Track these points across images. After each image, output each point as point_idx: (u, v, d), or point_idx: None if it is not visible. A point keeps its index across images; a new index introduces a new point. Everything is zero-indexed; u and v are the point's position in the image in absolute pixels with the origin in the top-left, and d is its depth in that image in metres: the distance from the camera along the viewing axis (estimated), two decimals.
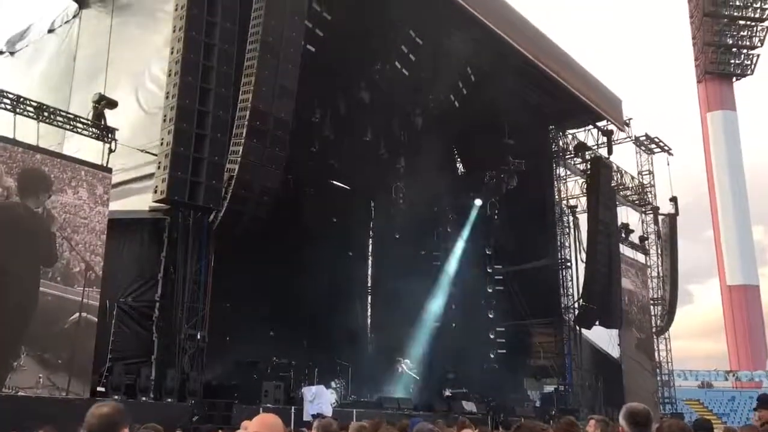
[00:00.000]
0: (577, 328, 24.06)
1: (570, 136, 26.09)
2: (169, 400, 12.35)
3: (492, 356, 24.80)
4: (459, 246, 25.81)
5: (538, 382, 25.05)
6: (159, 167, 12.65)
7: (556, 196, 25.34)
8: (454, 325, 24.93)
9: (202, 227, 13.66)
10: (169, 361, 12.90)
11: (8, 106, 12.12)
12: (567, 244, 24.94)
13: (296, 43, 14.81)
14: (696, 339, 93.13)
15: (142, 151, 13.68)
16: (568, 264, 24.77)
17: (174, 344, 13.00)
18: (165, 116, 12.84)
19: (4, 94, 12.28)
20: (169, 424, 11.16)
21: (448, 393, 20.27)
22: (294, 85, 14.49)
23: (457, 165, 27.81)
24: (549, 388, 24.35)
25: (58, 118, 12.80)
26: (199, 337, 13.30)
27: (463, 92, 23.71)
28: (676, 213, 28.83)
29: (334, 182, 24.23)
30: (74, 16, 18.16)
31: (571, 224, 24.95)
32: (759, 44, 49.94)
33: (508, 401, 21.19)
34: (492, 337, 25.07)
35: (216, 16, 13.34)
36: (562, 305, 24.32)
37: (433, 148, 24.04)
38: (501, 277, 25.53)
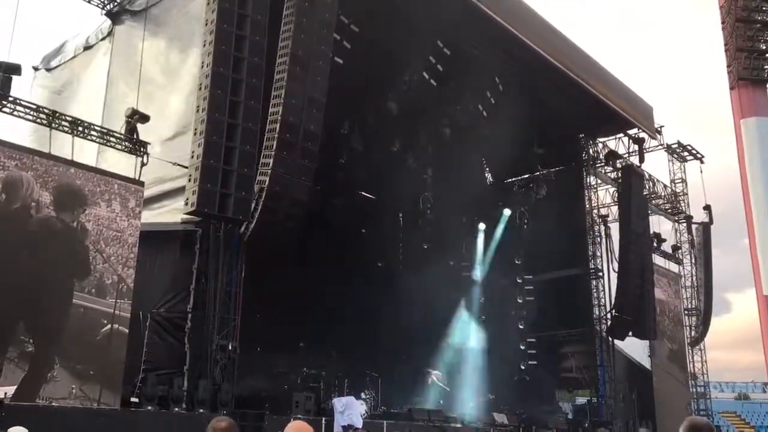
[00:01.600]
0: (610, 339, 23.71)
1: (600, 145, 25.81)
2: (201, 410, 12.43)
3: (523, 367, 24.54)
4: (488, 256, 25.67)
5: (571, 394, 24.72)
6: (189, 180, 12.81)
7: (587, 205, 25.06)
8: (483, 335, 24.74)
9: (232, 239, 13.79)
10: (202, 372, 13.01)
11: (44, 121, 12.39)
12: (598, 253, 24.63)
13: (325, 55, 14.92)
14: (733, 350, 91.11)
15: (173, 164, 13.88)
16: (600, 274, 24.44)
17: (206, 355, 13.11)
18: (195, 129, 13.02)
19: (41, 109, 12.57)
20: None
21: (477, 404, 20.12)
22: (323, 98, 14.59)
23: (486, 175, 27.69)
24: (581, 400, 24.02)
25: (93, 133, 13.05)
26: (230, 347, 13.39)
27: (492, 102, 23.65)
28: (711, 221, 28.33)
29: (363, 193, 24.28)
30: (109, 33, 18.55)
31: (603, 233, 24.63)
32: None
33: (539, 413, 20.94)
34: (522, 348, 24.83)
35: (245, 30, 13.51)
36: (594, 316, 23.99)
37: (462, 158, 23.99)
38: (531, 287, 25.30)
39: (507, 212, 25.51)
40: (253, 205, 13.49)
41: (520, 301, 25.24)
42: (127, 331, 12.09)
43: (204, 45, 13.51)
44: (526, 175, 25.87)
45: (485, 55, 20.11)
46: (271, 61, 14.18)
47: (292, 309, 19.29)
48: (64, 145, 12.40)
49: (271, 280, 17.34)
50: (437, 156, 24.80)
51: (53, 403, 10.83)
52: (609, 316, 23.68)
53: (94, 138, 13.08)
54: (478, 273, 25.36)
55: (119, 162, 13.51)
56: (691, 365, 27.35)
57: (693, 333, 27.72)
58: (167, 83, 15.85)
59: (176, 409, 12.37)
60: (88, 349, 11.61)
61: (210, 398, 12.70)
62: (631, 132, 24.86)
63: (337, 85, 15.75)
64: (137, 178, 12.99)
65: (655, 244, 25.75)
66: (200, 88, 13.24)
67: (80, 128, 12.77)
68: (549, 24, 20.73)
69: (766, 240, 46.05)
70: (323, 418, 14.11)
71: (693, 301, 27.84)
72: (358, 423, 13.76)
